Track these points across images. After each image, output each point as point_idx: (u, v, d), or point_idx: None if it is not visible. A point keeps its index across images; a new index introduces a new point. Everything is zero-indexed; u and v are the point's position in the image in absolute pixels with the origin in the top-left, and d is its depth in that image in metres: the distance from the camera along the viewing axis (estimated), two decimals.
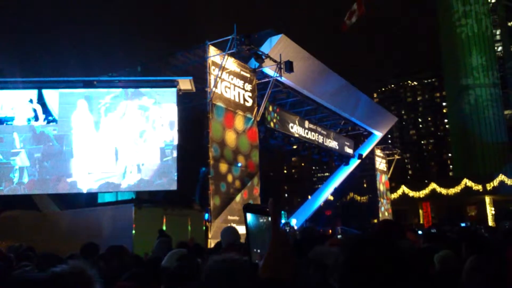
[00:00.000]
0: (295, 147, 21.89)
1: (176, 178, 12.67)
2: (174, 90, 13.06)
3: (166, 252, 5.66)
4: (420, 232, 12.41)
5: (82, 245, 5.49)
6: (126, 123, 12.95)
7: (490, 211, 40.18)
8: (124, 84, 13.18)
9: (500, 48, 75.97)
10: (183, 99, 13.50)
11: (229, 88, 14.72)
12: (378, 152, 29.83)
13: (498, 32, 76.04)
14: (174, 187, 12.63)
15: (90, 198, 13.56)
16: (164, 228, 11.08)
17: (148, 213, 11.67)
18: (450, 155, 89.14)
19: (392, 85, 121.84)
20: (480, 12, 69.37)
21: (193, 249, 6.59)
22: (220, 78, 14.16)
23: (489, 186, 39.63)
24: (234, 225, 13.75)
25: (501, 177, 39.37)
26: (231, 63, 14.82)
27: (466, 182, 40.89)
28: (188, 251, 5.48)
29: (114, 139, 12.86)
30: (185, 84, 13.19)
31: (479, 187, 40.16)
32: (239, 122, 15.04)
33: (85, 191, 12.67)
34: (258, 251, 1.33)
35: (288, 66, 15.30)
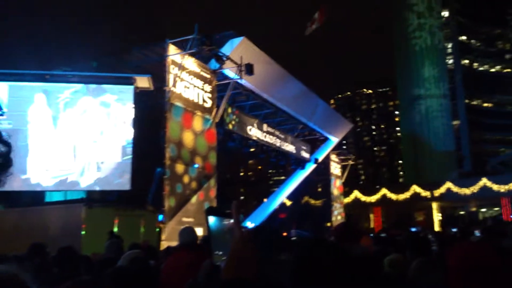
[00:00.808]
0: (252, 149, 21.90)
1: (130, 178, 12.35)
2: (131, 87, 12.73)
3: (116, 253, 5.46)
4: (371, 235, 12.67)
5: (29, 246, 5.22)
6: (86, 119, 12.51)
7: (437, 216, 41.71)
8: (78, 79, 12.73)
9: (451, 61, 79.18)
10: (140, 97, 13.19)
11: (188, 88, 14.51)
12: (333, 157, 30.31)
13: (449, 45, 79.25)
14: (127, 187, 12.31)
15: (37, 197, 12.98)
16: (116, 229, 10.77)
17: (99, 214, 11.31)
18: (401, 162, 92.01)
19: (349, 93, 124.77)
20: (433, 26, 72.14)
21: (146, 251, 6.42)
22: (179, 77, 13.93)
23: (436, 193, 41.13)
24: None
25: (448, 184, 40.97)
26: (191, 63, 14.63)
27: (415, 188, 42.27)
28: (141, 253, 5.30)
29: (73, 136, 12.39)
30: (143, 82, 12.90)
31: (427, 194, 41.61)
32: (197, 123, 14.86)
33: (40, 189, 12.13)
34: (220, 253, 1.28)
35: (249, 69, 15.26)
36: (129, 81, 12.80)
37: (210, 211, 1.32)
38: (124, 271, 3.27)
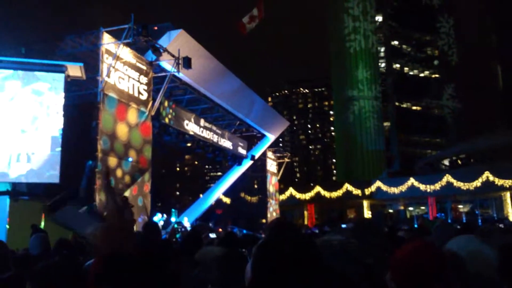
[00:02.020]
0: (189, 144, 21.72)
1: (59, 170, 11.82)
2: (62, 75, 12.17)
3: (43, 249, 5.22)
4: (304, 231, 12.95)
5: None
6: (15, 107, 11.78)
7: (367, 214, 43.42)
8: (4, 65, 11.98)
9: (383, 65, 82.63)
10: (72, 86, 12.65)
11: (123, 79, 14.10)
12: (269, 154, 30.70)
13: (382, 49, 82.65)
14: (57, 180, 11.77)
15: None
16: (43, 223, 10.28)
17: (25, 207, 10.76)
18: (334, 160, 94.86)
19: (286, 91, 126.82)
20: (368, 29, 74.83)
21: (75, 246, 6.21)
22: (113, 67, 13.51)
23: (367, 191, 42.77)
24: None
25: (378, 183, 42.74)
26: (127, 53, 14.23)
27: (347, 186, 43.73)
28: (70, 249, 5.12)
29: (1, 124, 11.62)
30: (75, 70, 12.38)
31: (358, 192, 43.17)
32: (132, 115, 14.48)
33: None
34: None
35: (186, 62, 15.10)
36: (60, 69, 12.23)
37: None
38: (52, 269, 3.14)
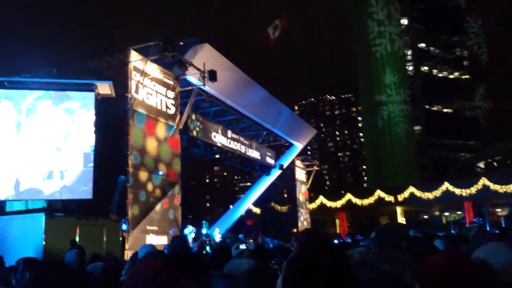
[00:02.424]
0: (217, 156, 21.88)
1: (92, 186, 12.11)
2: (92, 94, 12.52)
3: (78, 263, 5.35)
4: (336, 241, 12.85)
5: None
6: (49, 126, 12.18)
7: (401, 221, 42.59)
8: (38, 86, 12.42)
9: (411, 68, 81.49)
10: (102, 104, 12.98)
11: (151, 94, 14.40)
12: (298, 163, 30.60)
13: (409, 52, 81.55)
14: (90, 195, 12.06)
15: None
16: (77, 239, 10.54)
17: (60, 223, 11.03)
18: (364, 167, 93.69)
19: (312, 99, 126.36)
20: (393, 33, 74.03)
21: (110, 262, 6.33)
22: (141, 84, 13.81)
23: (400, 197, 41.95)
24: (153, 235, 13.39)
25: (411, 188, 41.88)
26: (154, 69, 14.53)
27: (379, 193, 43.02)
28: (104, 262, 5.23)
29: (36, 143, 12.03)
30: (105, 88, 12.71)
31: (391, 198, 42.39)
32: (160, 130, 14.74)
33: (3, 198, 11.73)
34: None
35: (212, 75, 15.30)
36: (90, 88, 12.58)
37: None
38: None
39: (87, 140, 12.36)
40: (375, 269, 2.48)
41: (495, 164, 53.33)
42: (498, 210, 43.49)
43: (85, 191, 12.03)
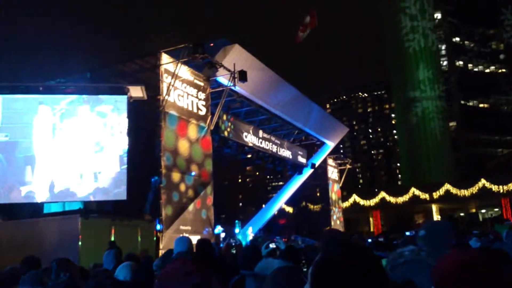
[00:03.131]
0: (249, 156, 21.93)
1: (126, 187, 12.33)
2: (125, 97, 12.75)
3: (116, 263, 5.44)
4: (369, 240, 12.65)
5: (23, 258, 5.24)
6: (82, 129, 12.49)
7: (436, 218, 41.70)
8: (72, 90, 12.74)
9: (445, 63, 79.51)
10: (134, 107, 13.20)
11: (182, 96, 14.56)
12: (330, 161, 30.35)
13: (443, 47, 79.59)
14: (124, 196, 12.28)
15: (35, 208, 12.95)
16: (112, 239, 10.74)
17: (95, 224, 11.26)
18: (398, 164, 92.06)
19: (344, 97, 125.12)
20: (426, 28, 72.45)
21: (144, 261, 6.42)
22: (173, 86, 13.98)
23: (435, 195, 41.13)
24: (186, 235, 13.52)
25: (447, 186, 40.97)
26: (185, 71, 14.69)
27: (414, 191, 42.28)
28: (138, 263, 5.30)
29: (70, 146, 12.35)
30: (136, 91, 12.91)
31: (426, 196, 41.62)
32: (192, 131, 14.89)
33: (39, 200, 12.10)
34: None
35: (242, 76, 15.33)
36: (122, 91, 12.82)
37: None
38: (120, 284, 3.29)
39: (120, 142, 12.58)
40: (430, 267, 2.40)
41: None
42: None
43: (119, 193, 12.26)
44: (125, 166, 12.48)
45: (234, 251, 6.52)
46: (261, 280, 2.77)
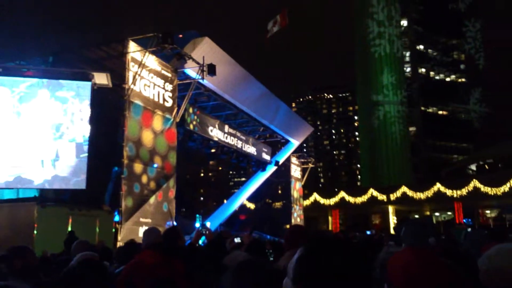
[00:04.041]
0: (213, 150, 21.78)
1: (86, 177, 11.98)
2: (89, 84, 12.38)
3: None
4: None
5: None
6: (42, 114, 12.00)
7: (392, 219, 42.79)
8: (33, 73, 12.25)
9: (408, 69, 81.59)
10: (98, 94, 12.83)
11: (149, 86, 14.28)
12: (293, 159, 30.58)
13: (407, 54, 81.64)
14: (83, 186, 11.93)
15: None
16: (69, 229, 10.45)
17: (52, 213, 10.93)
18: (358, 166, 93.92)
19: (310, 97, 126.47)
20: (392, 34, 74.13)
21: (101, 252, 6.26)
22: (139, 75, 13.69)
23: (392, 197, 42.14)
24: (146, 227, 13.29)
25: (404, 188, 42.06)
26: (152, 61, 14.41)
27: (372, 192, 43.17)
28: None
29: (28, 131, 11.84)
30: (101, 78, 12.56)
31: (383, 197, 42.57)
32: (157, 122, 14.63)
33: None
34: None
35: (211, 69, 15.19)
36: (86, 77, 12.44)
37: None
38: (75, 274, 3.17)
39: (81, 130, 12.21)
40: None
41: (486, 166, 53.61)
42: (487, 212, 43.88)
43: (78, 182, 11.90)
44: (86, 154, 12.13)
45: (203, 242, 6.45)
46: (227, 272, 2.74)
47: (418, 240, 2.62)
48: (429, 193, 40.62)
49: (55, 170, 11.86)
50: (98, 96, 12.73)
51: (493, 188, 37.65)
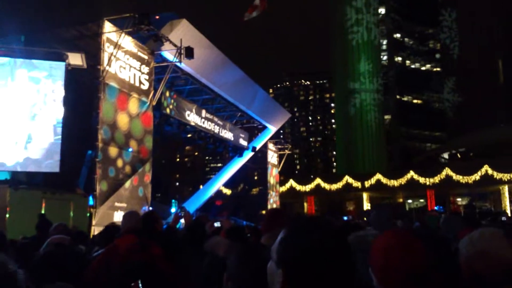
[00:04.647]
0: (190, 135, 21.60)
1: (59, 159, 11.71)
2: (62, 64, 12.04)
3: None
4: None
5: None
6: (13, 94, 11.61)
7: (366, 206, 43.49)
8: (4, 53, 11.84)
9: (385, 58, 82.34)
10: (73, 75, 12.51)
11: (124, 68, 13.98)
12: (270, 146, 30.63)
13: (385, 42, 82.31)
14: (56, 169, 11.67)
15: None
16: (43, 213, 10.22)
17: (25, 196, 10.67)
18: (334, 153, 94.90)
19: (287, 83, 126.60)
20: (370, 22, 74.49)
21: (75, 236, 6.15)
22: (115, 56, 13.37)
23: (367, 184, 42.78)
24: (121, 212, 13.13)
25: (378, 175, 42.73)
26: (128, 42, 14.09)
27: (347, 179, 43.72)
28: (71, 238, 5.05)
29: None
30: (76, 59, 12.23)
31: (358, 184, 43.17)
32: (133, 105, 14.37)
33: None
34: None
35: (189, 52, 14.96)
36: (60, 58, 12.09)
37: None
38: (48, 257, 3.07)
39: (54, 111, 11.89)
40: None
41: (458, 155, 54.93)
42: (459, 199, 45.04)
43: (51, 164, 11.62)
44: (59, 136, 11.84)
45: (181, 225, 6.38)
46: (210, 257, 2.69)
47: (386, 223, 2.63)
48: (403, 180, 41.39)
49: (27, 152, 11.55)
50: (72, 77, 12.41)
51: (464, 177, 38.64)
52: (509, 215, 24.23)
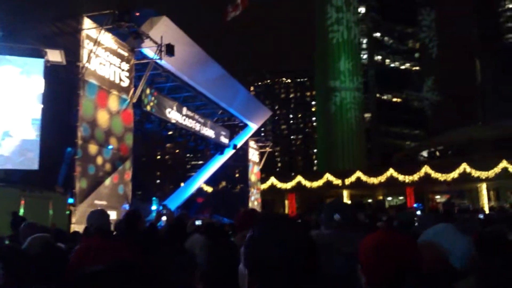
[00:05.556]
0: (171, 133, 21.51)
1: (38, 157, 11.57)
2: (41, 61, 11.89)
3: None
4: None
5: None
6: None
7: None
8: None
9: (365, 56, 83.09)
10: (51, 72, 12.35)
11: (104, 65, 13.85)
12: (251, 143, 30.67)
13: (364, 41, 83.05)
14: (35, 166, 11.52)
15: None
16: (22, 211, 10.10)
17: (2, 194, 10.51)
18: (315, 150, 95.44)
19: (268, 81, 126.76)
20: (350, 21, 75.06)
21: (55, 234, 6.11)
22: (94, 53, 13.24)
23: (347, 181, 43.10)
24: None
25: (358, 173, 43.11)
26: (108, 39, 13.96)
27: (328, 176, 43.98)
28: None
29: None
30: (55, 55, 12.09)
31: (339, 182, 43.47)
32: (113, 102, 14.25)
33: None
34: None
35: (169, 50, 14.88)
36: (39, 54, 11.93)
37: None
38: (32, 256, 3.08)
39: (31, 109, 11.73)
40: (337, 251, 2.49)
41: (437, 153, 55.74)
42: (437, 197, 45.71)
43: (29, 162, 11.47)
44: (37, 134, 11.69)
45: (163, 222, 6.38)
46: (191, 255, 2.73)
47: (346, 218, 2.74)
48: (382, 178, 41.80)
49: (1, 149, 11.37)
50: (51, 74, 12.26)
51: (443, 174, 39.21)
52: (487, 212, 24.73)
